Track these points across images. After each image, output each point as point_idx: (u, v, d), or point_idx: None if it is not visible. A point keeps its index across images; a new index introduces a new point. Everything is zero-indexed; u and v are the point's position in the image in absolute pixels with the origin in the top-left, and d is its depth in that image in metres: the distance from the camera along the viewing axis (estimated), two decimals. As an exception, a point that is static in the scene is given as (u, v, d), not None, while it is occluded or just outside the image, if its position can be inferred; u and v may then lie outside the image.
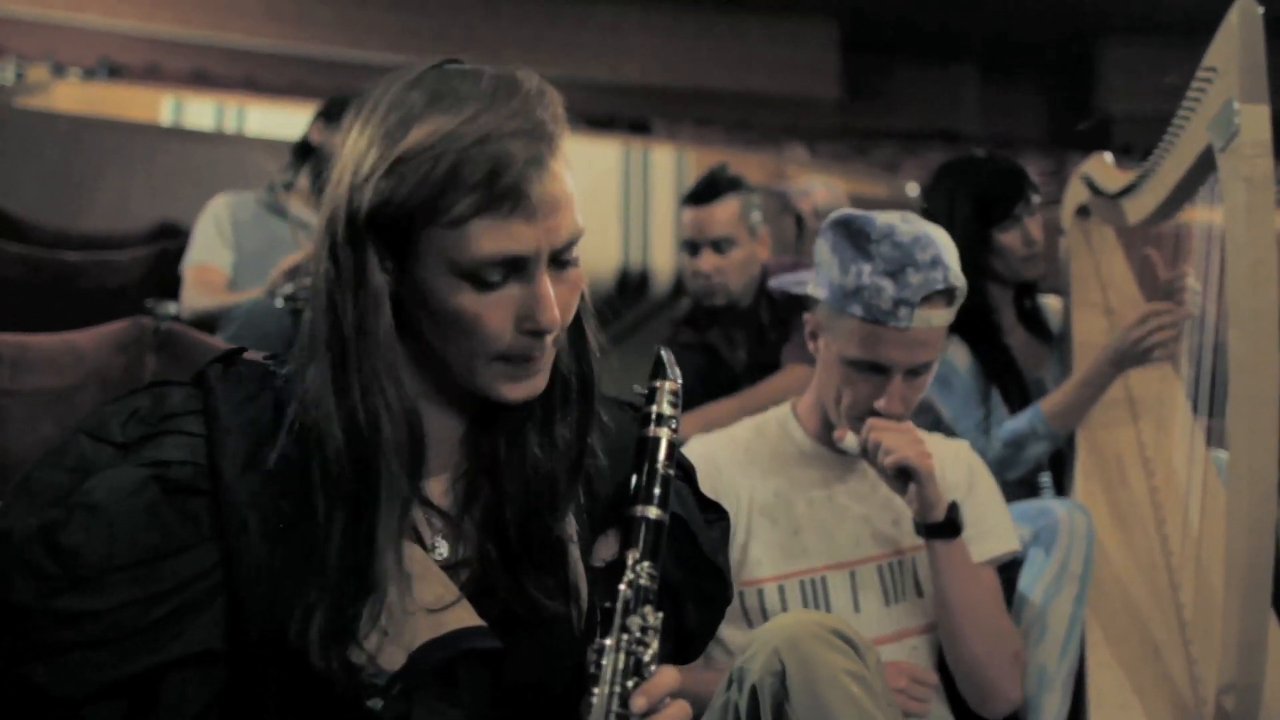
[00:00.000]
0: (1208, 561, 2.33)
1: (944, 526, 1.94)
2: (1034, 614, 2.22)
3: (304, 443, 1.16)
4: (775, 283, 2.43)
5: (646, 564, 1.13)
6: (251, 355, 1.28)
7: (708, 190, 3.33)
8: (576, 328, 1.25)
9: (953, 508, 1.94)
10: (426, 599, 1.18)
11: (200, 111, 9.10)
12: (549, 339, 1.18)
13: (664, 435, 1.20)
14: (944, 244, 1.94)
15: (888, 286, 1.88)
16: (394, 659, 1.15)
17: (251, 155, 5.37)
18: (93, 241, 4.45)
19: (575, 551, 1.26)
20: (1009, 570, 2.19)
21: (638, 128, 13.05)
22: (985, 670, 1.95)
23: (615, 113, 13.90)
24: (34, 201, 4.93)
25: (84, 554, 1.09)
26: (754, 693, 1.52)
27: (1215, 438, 2.41)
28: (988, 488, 2.12)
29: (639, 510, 1.17)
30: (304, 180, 3.60)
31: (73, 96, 8.70)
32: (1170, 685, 2.27)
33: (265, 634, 1.14)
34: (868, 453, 1.94)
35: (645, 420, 1.22)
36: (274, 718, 1.15)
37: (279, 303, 3.16)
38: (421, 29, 17.05)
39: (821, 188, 4.88)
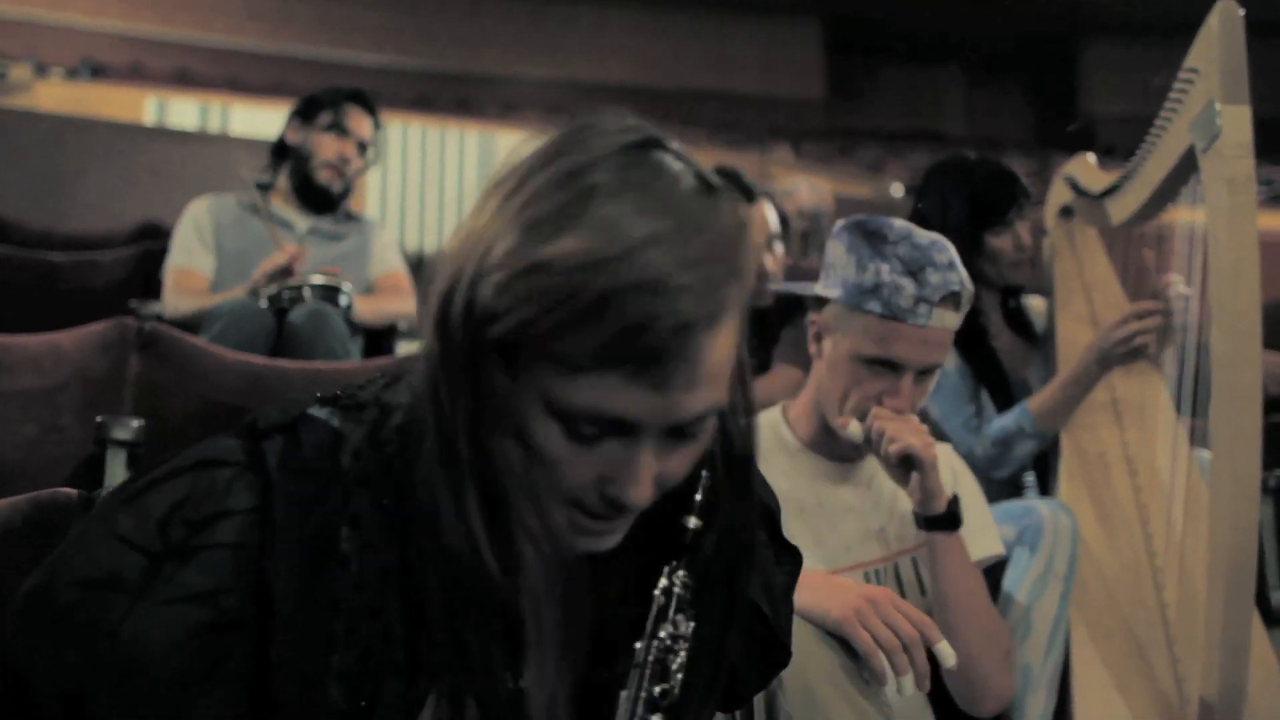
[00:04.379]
0: (1191, 561, 2.34)
1: (945, 519, 1.94)
2: (1019, 614, 2.22)
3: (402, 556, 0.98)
4: (781, 287, 2.42)
5: (682, 573, 1.03)
6: (317, 412, 1.04)
7: (748, 192, 3.33)
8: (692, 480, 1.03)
9: (954, 500, 1.95)
10: None
11: (183, 111, 9.09)
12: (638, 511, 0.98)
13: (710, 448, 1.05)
14: (954, 252, 1.96)
15: (908, 285, 1.89)
16: None
17: (235, 155, 5.35)
18: (76, 242, 4.44)
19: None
20: (994, 571, 2.19)
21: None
22: (978, 666, 1.94)
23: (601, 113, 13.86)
24: (17, 201, 4.92)
25: (109, 718, 0.94)
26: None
27: (1198, 437, 2.42)
28: (971, 491, 2.13)
29: (679, 518, 1.05)
30: (283, 180, 3.60)
31: (56, 96, 8.69)
32: (1154, 684, 2.27)
33: None
34: (871, 441, 1.95)
35: None
36: None
37: (263, 303, 3.15)
38: (405, 28, 17.04)
39: (806, 188, 4.89)
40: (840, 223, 2.04)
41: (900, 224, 1.97)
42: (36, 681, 0.94)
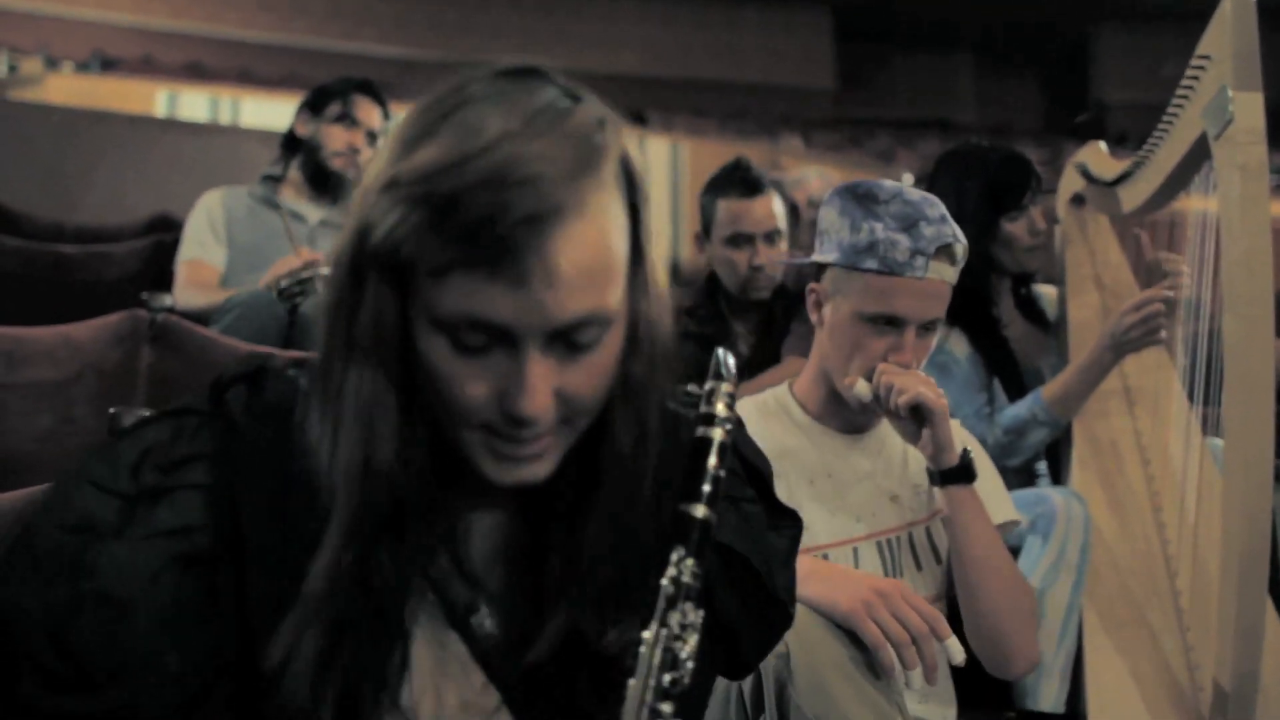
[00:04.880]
0: (1204, 548, 2.33)
1: (959, 471, 1.94)
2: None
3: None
4: (783, 261, 2.43)
5: (691, 562, 1.02)
6: (278, 360, 1.10)
7: (756, 183, 3.33)
8: (607, 415, 1.04)
9: (965, 453, 1.95)
10: (450, 697, 1.06)
11: (194, 103, 9.11)
12: (542, 425, 0.98)
13: (717, 435, 1.06)
14: (944, 208, 1.97)
15: (903, 239, 1.91)
16: None
17: (246, 146, 5.36)
18: (87, 234, 4.44)
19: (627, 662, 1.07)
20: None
21: (633, 118, 13.06)
22: (1004, 624, 1.92)
23: (610, 104, 13.87)
24: (29, 194, 4.92)
25: (95, 654, 0.96)
26: (758, 674, 1.53)
27: (1211, 425, 2.41)
28: (982, 462, 2.12)
29: (687, 508, 1.04)
30: (294, 172, 3.60)
31: (66, 89, 8.70)
32: (1167, 671, 2.27)
33: (289, 713, 0.99)
34: (879, 398, 1.95)
35: (700, 420, 1.07)
36: None
37: (274, 294, 3.16)
38: (415, 19, 17.04)
39: (816, 178, 4.87)
40: (829, 191, 2.05)
41: (890, 184, 1.98)
42: (23, 626, 0.96)
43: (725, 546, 1.16)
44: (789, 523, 1.29)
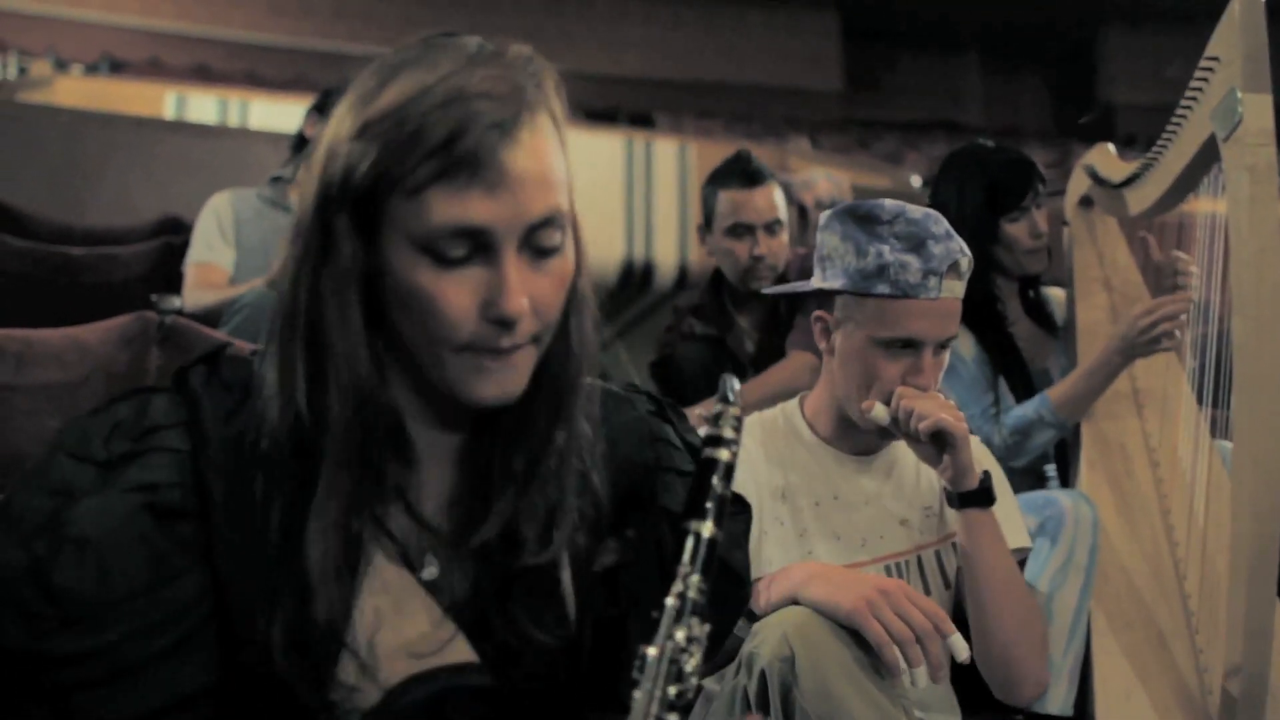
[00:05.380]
0: (1213, 550, 2.33)
1: (978, 494, 1.92)
2: (1040, 604, 2.22)
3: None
4: (773, 290, 2.43)
5: (697, 578, 1.09)
6: (237, 350, 1.21)
7: (757, 174, 3.34)
8: (563, 327, 1.15)
9: (985, 477, 1.93)
10: (408, 631, 1.13)
11: (202, 106, 9.11)
12: (520, 332, 1.08)
13: (723, 457, 1.15)
14: (947, 222, 1.96)
15: (913, 260, 1.88)
16: (374, 692, 1.11)
17: (254, 149, 5.38)
18: (96, 236, 4.45)
19: (567, 577, 1.22)
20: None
21: (640, 121, 13.06)
22: (1016, 649, 1.91)
23: (617, 106, 13.90)
24: (37, 196, 4.93)
25: (76, 592, 1.03)
26: (763, 677, 1.53)
27: (1219, 428, 2.41)
28: (1000, 486, 2.11)
29: (693, 526, 1.13)
30: (303, 174, 3.61)
31: (75, 91, 8.70)
32: (1176, 673, 2.27)
33: (256, 660, 1.08)
34: (899, 422, 1.93)
35: (707, 441, 1.16)
36: None
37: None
38: (423, 21, 16.99)
39: (824, 180, 4.87)
40: (825, 214, 2.03)
41: (890, 203, 1.96)
42: (6, 575, 1.03)
43: (675, 513, 1.24)
44: (739, 508, 1.38)
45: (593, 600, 1.23)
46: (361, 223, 1.06)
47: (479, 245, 1.05)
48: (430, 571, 1.16)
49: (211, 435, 1.11)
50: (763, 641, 1.55)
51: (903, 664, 1.54)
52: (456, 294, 1.05)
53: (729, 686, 1.58)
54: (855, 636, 1.56)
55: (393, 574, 1.14)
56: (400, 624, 1.13)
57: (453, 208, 1.03)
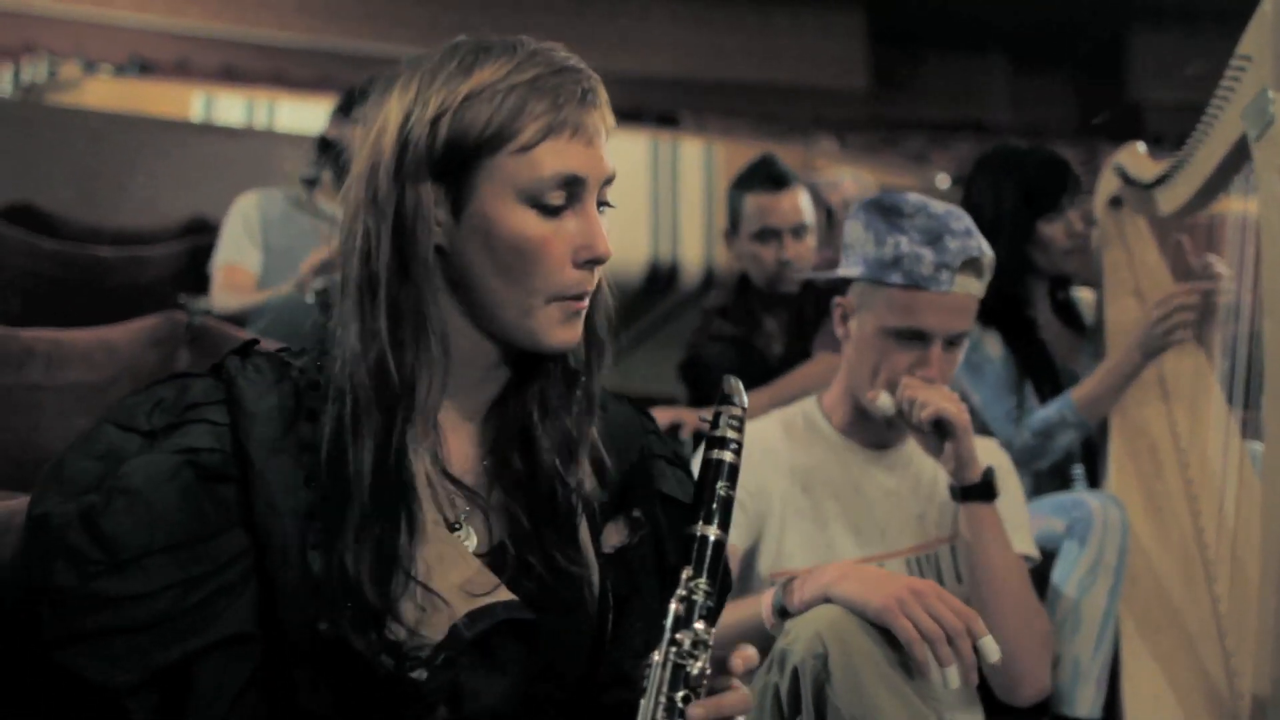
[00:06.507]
0: (1243, 553, 2.31)
1: (980, 488, 1.93)
2: (1068, 607, 2.21)
3: (333, 421, 1.20)
4: (806, 275, 2.42)
5: (702, 581, 1.13)
6: (265, 346, 1.30)
7: (783, 178, 3.33)
8: (596, 292, 1.28)
9: (988, 471, 1.94)
10: (455, 577, 1.19)
11: (230, 107, 9.15)
12: (595, 278, 1.24)
13: (726, 458, 1.20)
14: (971, 221, 1.97)
15: (927, 253, 1.91)
16: (437, 629, 1.16)
17: (281, 150, 5.38)
18: (124, 237, 4.48)
19: (585, 530, 1.28)
20: (1043, 565, 2.17)
21: (666, 120, 13.04)
22: (1013, 646, 1.90)
23: (643, 106, 13.90)
24: (66, 198, 4.96)
25: (124, 538, 1.10)
26: (795, 675, 1.53)
27: (1250, 429, 2.39)
28: (1013, 489, 2.11)
29: (698, 529, 1.18)
30: (328, 175, 3.61)
31: (103, 93, 8.75)
32: (1206, 677, 2.25)
33: (298, 617, 1.15)
34: (902, 412, 1.94)
35: (710, 443, 1.23)
36: (310, 697, 1.16)
37: (309, 298, 3.17)
38: (449, 22, 17.08)
39: (850, 180, 4.86)
40: (855, 204, 2.05)
41: (915, 197, 1.98)
42: (58, 522, 1.11)
43: (670, 498, 1.36)
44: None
45: (606, 577, 1.28)
46: (449, 190, 1.21)
47: (572, 195, 1.21)
48: (468, 538, 1.24)
49: (250, 410, 1.19)
50: (796, 639, 1.55)
51: (933, 662, 1.53)
52: (558, 243, 1.21)
53: (761, 684, 1.58)
54: (888, 636, 1.56)
55: (431, 529, 1.21)
56: (446, 571, 1.20)
57: (559, 160, 1.20)
